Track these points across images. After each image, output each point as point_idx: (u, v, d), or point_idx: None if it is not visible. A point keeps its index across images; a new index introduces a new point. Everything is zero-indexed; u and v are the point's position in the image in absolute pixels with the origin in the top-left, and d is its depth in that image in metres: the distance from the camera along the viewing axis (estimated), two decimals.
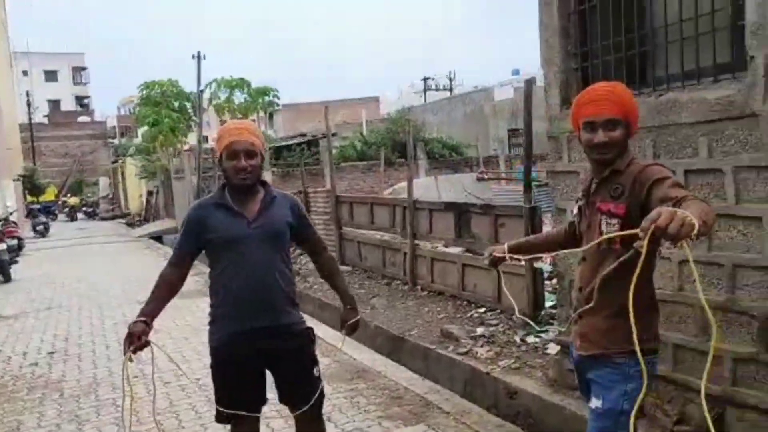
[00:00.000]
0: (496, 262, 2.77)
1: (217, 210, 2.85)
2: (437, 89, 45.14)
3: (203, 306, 8.68)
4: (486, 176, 16.65)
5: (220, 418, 2.92)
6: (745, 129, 3.01)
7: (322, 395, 2.99)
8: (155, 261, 14.95)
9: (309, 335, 2.98)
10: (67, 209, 34.81)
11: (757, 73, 2.92)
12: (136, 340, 2.71)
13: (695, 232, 1.68)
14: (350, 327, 3.13)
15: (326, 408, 4.05)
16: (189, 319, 7.84)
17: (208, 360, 2.96)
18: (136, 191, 31.67)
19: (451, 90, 44.32)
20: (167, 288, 2.92)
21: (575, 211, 2.57)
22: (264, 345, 2.82)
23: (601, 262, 2.33)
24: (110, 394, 5.20)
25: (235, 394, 2.86)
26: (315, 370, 2.95)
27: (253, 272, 2.78)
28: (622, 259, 2.18)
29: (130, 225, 27.77)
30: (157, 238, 20.74)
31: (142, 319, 2.78)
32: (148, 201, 28.61)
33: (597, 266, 2.35)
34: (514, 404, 4.46)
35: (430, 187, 14.01)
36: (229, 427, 2.97)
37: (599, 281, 2.32)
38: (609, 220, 2.28)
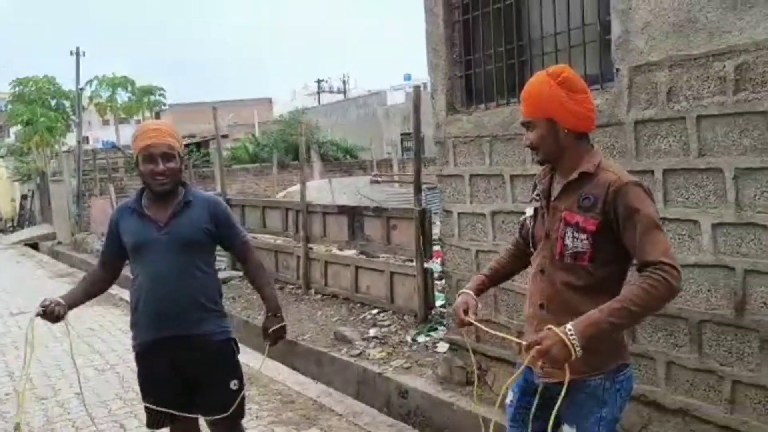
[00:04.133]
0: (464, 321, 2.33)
1: (131, 215, 2.77)
2: (331, 92, 45.28)
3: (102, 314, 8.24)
4: (380, 179, 16.86)
5: (149, 423, 2.85)
6: (612, 136, 3.24)
7: (241, 408, 2.85)
8: (31, 270, 14.01)
9: (229, 346, 2.84)
10: None
11: (623, 84, 3.15)
12: (50, 307, 2.61)
13: (573, 357, 1.88)
14: (274, 334, 2.88)
15: None
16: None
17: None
18: (8, 195, 29.56)
19: (344, 93, 44.56)
20: (89, 283, 2.95)
21: (530, 212, 2.32)
22: (175, 355, 2.71)
23: (564, 277, 2.12)
24: None
25: (159, 402, 2.75)
26: (232, 384, 2.80)
27: (161, 280, 2.68)
28: None
29: (2, 231, 26.08)
30: (33, 245, 19.57)
31: (59, 299, 2.70)
32: (22, 205, 26.86)
33: (560, 282, 2.13)
34: (405, 403, 4.55)
35: (324, 189, 14.01)
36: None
37: (565, 299, 2.12)
38: (576, 234, 2.07)
